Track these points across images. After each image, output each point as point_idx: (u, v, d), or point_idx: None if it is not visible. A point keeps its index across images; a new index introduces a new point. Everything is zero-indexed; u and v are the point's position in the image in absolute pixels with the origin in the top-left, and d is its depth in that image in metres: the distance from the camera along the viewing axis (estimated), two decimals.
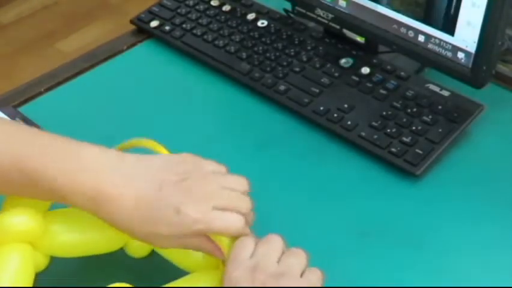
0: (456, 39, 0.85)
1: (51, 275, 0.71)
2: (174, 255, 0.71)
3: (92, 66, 1.02)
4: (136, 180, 0.64)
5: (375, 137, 0.86)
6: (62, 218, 0.71)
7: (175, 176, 0.65)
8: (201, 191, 0.65)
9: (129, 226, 0.64)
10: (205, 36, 1.02)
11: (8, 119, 0.91)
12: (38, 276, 0.69)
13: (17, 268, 0.67)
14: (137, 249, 0.74)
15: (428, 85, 0.91)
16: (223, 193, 0.66)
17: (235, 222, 0.65)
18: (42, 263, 0.71)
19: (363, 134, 0.86)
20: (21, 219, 0.68)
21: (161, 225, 0.63)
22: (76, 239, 0.71)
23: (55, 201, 0.69)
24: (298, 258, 0.64)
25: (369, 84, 0.92)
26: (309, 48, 0.98)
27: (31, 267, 0.68)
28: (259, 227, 0.73)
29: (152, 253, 0.74)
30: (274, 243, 0.65)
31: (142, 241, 0.68)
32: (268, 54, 0.98)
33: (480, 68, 0.84)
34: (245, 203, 0.67)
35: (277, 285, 0.61)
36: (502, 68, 0.96)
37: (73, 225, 0.71)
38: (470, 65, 0.85)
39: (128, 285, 0.64)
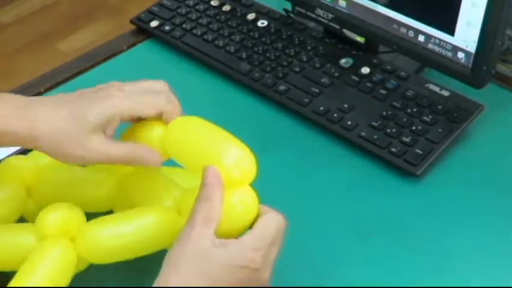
0: (456, 39, 0.85)
1: None
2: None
3: (92, 66, 1.02)
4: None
5: (375, 137, 0.86)
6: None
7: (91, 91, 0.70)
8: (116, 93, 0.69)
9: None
10: (205, 36, 1.02)
11: None
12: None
13: (55, 265, 0.68)
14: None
15: (428, 85, 0.91)
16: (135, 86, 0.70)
17: (156, 99, 0.69)
18: (35, 210, 0.72)
19: (363, 134, 0.86)
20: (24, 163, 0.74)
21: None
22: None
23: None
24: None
25: (369, 84, 0.92)
26: (309, 48, 0.98)
27: (71, 265, 0.69)
28: None
29: None
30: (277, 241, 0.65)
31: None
32: (268, 54, 0.98)
33: (480, 68, 0.84)
34: (158, 86, 0.71)
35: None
36: (502, 68, 0.96)
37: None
38: (470, 65, 0.85)
39: None
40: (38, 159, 0.77)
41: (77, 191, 0.75)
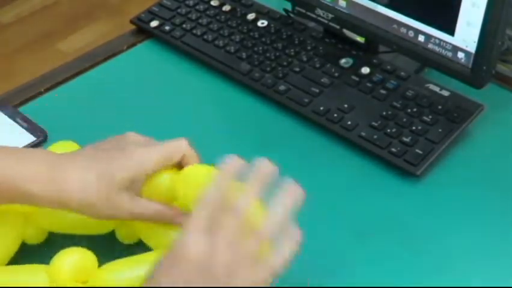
0: (456, 39, 0.85)
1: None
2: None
3: (92, 66, 1.02)
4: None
5: (375, 137, 0.86)
6: None
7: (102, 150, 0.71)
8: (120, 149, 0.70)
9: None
10: (205, 36, 1.02)
11: (8, 118, 0.92)
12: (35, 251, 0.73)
13: (2, 233, 0.73)
14: (127, 235, 0.76)
15: (428, 85, 0.91)
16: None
17: (176, 143, 0.70)
18: (35, 235, 0.76)
19: (363, 134, 0.86)
20: None
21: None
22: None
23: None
24: (257, 241, 0.63)
25: (369, 84, 0.92)
26: (309, 48, 0.98)
27: (18, 234, 0.74)
28: None
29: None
30: (236, 213, 0.63)
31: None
32: (268, 54, 0.98)
33: (480, 68, 0.84)
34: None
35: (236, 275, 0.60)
36: (502, 68, 0.96)
37: None
38: (470, 65, 0.85)
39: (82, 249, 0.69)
40: None
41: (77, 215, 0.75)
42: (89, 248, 0.72)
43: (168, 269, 0.60)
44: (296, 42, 0.99)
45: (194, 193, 0.68)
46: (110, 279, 0.70)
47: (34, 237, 0.77)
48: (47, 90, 0.98)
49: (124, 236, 0.76)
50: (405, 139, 0.85)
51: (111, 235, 0.76)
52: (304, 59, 0.96)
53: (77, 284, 0.70)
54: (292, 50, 0.98)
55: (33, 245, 0.77)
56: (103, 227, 0.76)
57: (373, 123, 0.87)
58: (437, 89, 0.90)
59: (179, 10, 1.07)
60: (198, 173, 0.71)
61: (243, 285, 0.61)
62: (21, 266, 0.73)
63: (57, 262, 0.70)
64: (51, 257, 0.70)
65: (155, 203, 0.71)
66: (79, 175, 0.67)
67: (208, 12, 1.06)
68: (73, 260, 0.70)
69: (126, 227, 0.76)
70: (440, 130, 0.86)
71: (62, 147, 0.80)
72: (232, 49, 0.99)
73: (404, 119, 0.87)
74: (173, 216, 0.71)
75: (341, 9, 0.95)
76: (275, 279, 0.63)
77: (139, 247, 0.75)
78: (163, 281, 0.60)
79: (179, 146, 0.71)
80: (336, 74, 0.94)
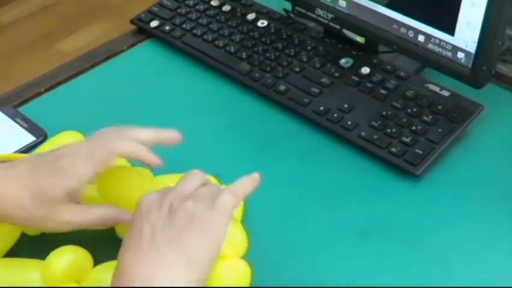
0: (456, 39, 0.85)
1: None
2: None
3: (92, 66, 1.02)
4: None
5: (375, 137, 0.86)
6: None
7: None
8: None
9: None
10: (205, 36, 1.02)
11: (8, 118, 0.92)
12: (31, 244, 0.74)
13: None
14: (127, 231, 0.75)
15: (428, 85, 0.91)
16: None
17: (130, 143, 0.70)
18: None
19: (363, 134, 0.86)
20: None
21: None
22: None
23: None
24: (211, 188, 0.67)
25: (369, 84, 0.92)
26: (309, 48, 0.98)
27: (15, 226, 0.74)
28: (260, 227, 0.73)
29: None
30: (195, 175, 0.68)
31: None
32: (268, 54, 0.98)
33: (480, 68, 0.84)
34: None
35: (181, 205, 0.63)
36: (502, 68, 0.96)
37: None
38: (470, 65, 0.85)
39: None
40: None
41: None
42: (87, 244, 0.72)
43: (132, 227, 0.64)
44: (296, 42, 0.99)
45: (114, 193, 0.72)
46: (104, 280, 0.70)
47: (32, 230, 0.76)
48: (47, 90, 0.98)
49: (123, 232, 0.75)
50: (405, 139, 0.85)
51: (112, 231, 0.76)
52: (304, 59, 0.96)
53: (71, 283, 0.70)
54: (292, 50, 0.98)
55: (33, 237, 0.77)
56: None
57: (373, 123, 0.87)
58: (437, 89, 0.90)
59: (179, 10, 1.07)
60: (116, 172, 0.73)
61: (203, 209, 0.63)
62: (17, 259, 0.73)
63: (52, 260, 0.70)
64: (50, 250, 0.71)
65: (97, 206, 0.71)
66: (15, 193, 0.67)
67: (208, 12, 1.06)
68: (67, 259, 0.70)
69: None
70: (440, 130, 0.86)
71: (65, 137, 0.81)
72: (232, 49, 0.99)
73: (404, 119, 0.87)
74: (117, 216, 0.71)
75: (341, 9, 0.95)
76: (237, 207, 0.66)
77: None
78: (130, 240, 0.63)
79: (113, 151, 0.70)
80: (336, 74, 0.94)
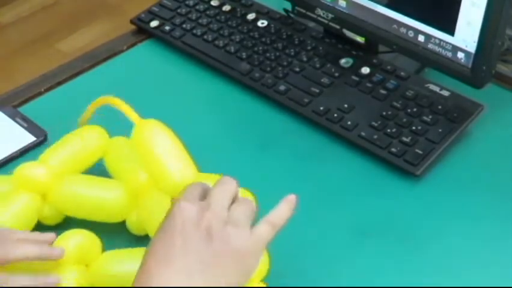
0: (456, 39, 0.85)
1: None
2: None
3: (92, 66, 1.02)
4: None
5: (375, 137, 0.86)
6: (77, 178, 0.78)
7: None
8: None
9: None
10: (205, 36, 1.02)
11: (8, 118, 0.92)
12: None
13: (19, 210, 0.75)
14: (137, 226, 0.76)
15: (428, 85, 0.91)
16: None
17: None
18: (51, 216, 0.77)
19: (363, 134, 0.86)
20: (38, 171, 0.76)
21: None
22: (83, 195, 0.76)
23: None
24: (247, 208, 0.64)
25: (369, 84, 0.92)
26: (309, 48, 0.98)
27: (34, 213, 0.76)
28: None
29: None
30: (228, 185, 0.65)
31: None
32: (268, 54, 0.98)
33: (480, 68, 0.84)
34: None
35: (221, 230, 0.61)
36: (502, 68, 0.96)
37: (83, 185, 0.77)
38: (470, 65, 0.85)
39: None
40: (49, 164, 0.78)
41: (93, 201, 0.77)
42: (99, 234, 0.73)
43: (162, 234, 0.61)
44: (296, 42, 0.99)
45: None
46: (111, 266, 0.71)
47: (50, 218, 0.78)
48: (47, 90, 0.98)
49: (134, 227, 0.76)
50: (405, 139, 0.85)
51: (124, 225, 0.77)
52: (304, 59, 0.96)
53: (79, 265, 0.71)
54: (292, 50, 0.98)
55: (49, 226, 0.78)
56: (116, 216, 0.77)
57: (373, 123, 0.87)
58: (437, 89, 0.90)
59: (179, 10, 1.07)
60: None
61: (242, 239, 0.61)
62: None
63: (61, 242, 0.71)
64: None
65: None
66: None
67: (208, 12, 1.06)
68: (76, 241, 0.71)
69: (137, 218, 0.76)
70: (440, 130, 0.86)
71: (91, 132, 0.82)
72: (232, 49, 0.99)
73: (404, 119, 0.87)
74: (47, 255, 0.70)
75: (341, 9, 0.95)
76: (274, 237, 0.63)
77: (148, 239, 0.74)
78: (158, 247, 0.60)
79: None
80: (336, 74, 0.94)
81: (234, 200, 0.64)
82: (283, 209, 0.65)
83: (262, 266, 0.67)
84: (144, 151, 0.74)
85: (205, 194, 0.65)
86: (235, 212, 0.63)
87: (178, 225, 0.61)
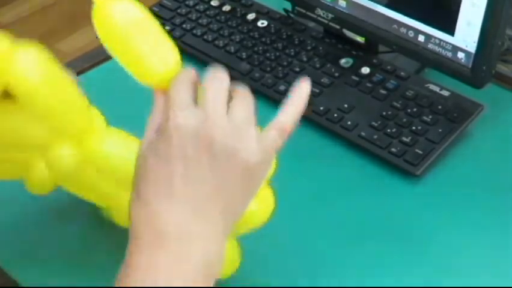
0: (456, 39, 0.85)
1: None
2: None
3: (92, 66, 1.02)
4: None
5: (375, 137, 0.86)
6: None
7: None
8: None
9: None
10: (205, 36, 1.02)
11: None
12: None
13: None
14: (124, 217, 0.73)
15: (428, 85, 0.91)
16: None
17: None
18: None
19: (363, 134, 0.86)
20: None
21: None
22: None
23: None
24: (246, 105, 0.58)
25: (369, 84, 0.92)
26: (309, 48, 0.98)
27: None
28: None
29: None
30: (221, 82, 0.58)
31: None
32: (268, 54, 0.98)
33: (480, 68, 0.84)
34: None
35: (225, 146, 0.54)
36: (502, 68, 0.96)
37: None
38: (470, 65, 0.85)
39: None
40: None
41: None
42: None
43: (157, 158, 0.54)
44: (296, 42, 0.99)
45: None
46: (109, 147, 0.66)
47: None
48: None
49: (120, 220, 0.73)
50: (405, 139, 0.85)
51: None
52: (304, 59, 0.96)
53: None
54: (292, 50, 0.98)
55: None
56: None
57: (373, 123, 0.87)
58: (437, 89, 0.90)
59: (179, 10, 1.07)
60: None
61: (249, 152, 0.55)
62: None
63: None
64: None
65: None
66: None
67: (208, 12, 1.06)
68: None
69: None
70: (440, 130, 0.86)
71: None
72: (232, 49, 0.99)
73: (404, 119, 0.87)
74: None
75: (341, 9, 0.95)
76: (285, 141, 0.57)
77: None
78: (154, 173, 0.54)
79: None
80: (336, 74, 0.94)
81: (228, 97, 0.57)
82: (292, 110, 0.59)
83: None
84: (110, 37, 0.63)
85: (195, 89, 0.57)
86: (236, 116, 0.56)
87: (176, 147, 0.54)
